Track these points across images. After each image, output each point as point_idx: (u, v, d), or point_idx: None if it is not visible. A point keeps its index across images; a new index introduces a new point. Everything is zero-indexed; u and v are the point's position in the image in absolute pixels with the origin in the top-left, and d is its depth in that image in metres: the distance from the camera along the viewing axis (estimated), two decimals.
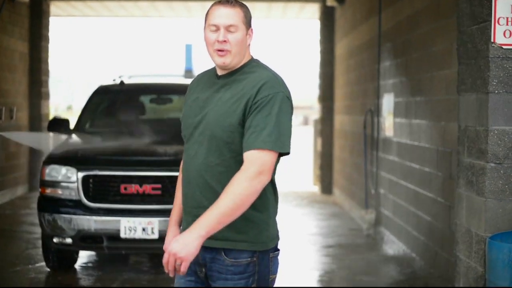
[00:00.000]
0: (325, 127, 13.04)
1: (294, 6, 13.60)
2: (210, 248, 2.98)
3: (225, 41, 2.93)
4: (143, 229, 6.49)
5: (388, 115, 8.39)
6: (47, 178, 6.71)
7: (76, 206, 6.62)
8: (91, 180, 6.62)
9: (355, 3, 10.78)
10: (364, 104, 9.94)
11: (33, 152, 13.03)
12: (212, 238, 2.92)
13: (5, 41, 11.64)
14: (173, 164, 6.67)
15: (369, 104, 9.47)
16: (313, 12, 14.09)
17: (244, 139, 2.88)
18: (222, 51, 2.94)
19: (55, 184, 6.69)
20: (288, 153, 2.93)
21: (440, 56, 6.39)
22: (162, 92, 8.34)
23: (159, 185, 6.57)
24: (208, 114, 2.96)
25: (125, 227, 6.50)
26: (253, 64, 3.03)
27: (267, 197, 2.99)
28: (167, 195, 6.56)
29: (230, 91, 2.96)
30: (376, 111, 9.06)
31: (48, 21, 13.21)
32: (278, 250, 3.08)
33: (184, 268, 2.81)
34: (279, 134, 2.87)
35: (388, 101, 8.47)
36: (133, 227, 6.48)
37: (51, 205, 6.69)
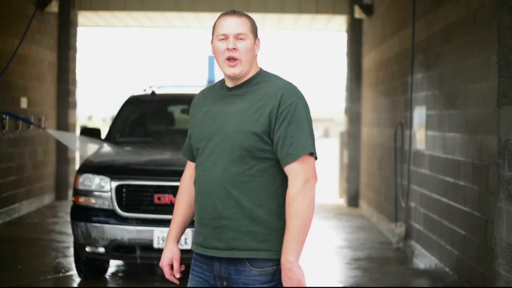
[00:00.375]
0: (352, 140, 13.00)
1: (321, 18, 13.59)
2: (233, 260, 3.00)
3: (234, 48, 2.98)
4: None
5: (420, 128, 8.34)
6: (80, 187, 6.72)
7: (109, 216, 6.62)
8: (124, 190, 6.63)
9: (385, 15, 10.76)
10: (393, 117, 9.89)
11: (60, 161, 13.09)
12: (235, 249, 2.98)
13: (34, 50, 11.72)
14: None
15: (399, 117, 9.42)
16: (340, 24, 14.09)
17: (283, 152, 2.93)
18: (233, 60, 2.99)
19: (88, 193, 6.70)
20: (317, 158, 3.03)
21: (477, 69, 6.34)
22: None
23: None
24: (226, 125, 2.99)
25: (158, 237, 6.49)
26: (264, 74, 3.08)
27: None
28: None
29: (248, 101, 3.00)
30: (407, 124, 9.01)
31: (76, 31, 13.30)
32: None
33: None
34: (312, 139, 2.97)
35: (419, 114, 8.41)
36: (166, 238, 6.46)
37: (84, 214, 6.69)
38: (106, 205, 6.65)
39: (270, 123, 2.94)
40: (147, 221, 6.57)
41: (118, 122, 8.15)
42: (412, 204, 8.62)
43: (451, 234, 7.04)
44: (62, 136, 7.55)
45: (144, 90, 8.81)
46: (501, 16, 5.05)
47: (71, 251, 8.50)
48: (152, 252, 6.58)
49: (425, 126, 8.13)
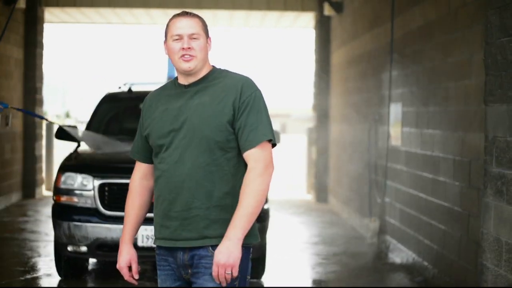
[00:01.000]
0: (321, 136, 13.09)
1: (289, 15, 13.65)
2: (198, 248, 3.11)
3: (189, 48, 3.11)
4: None
5: (396, 124, 8.45)
6: (62, 185, 6.66)
7: (92, 214, 6.57)
8: (107, 188, 6.59)
9: (355, 13, 10.86)
10: (366, 113, 9.99)
11: (27, 159, 12.92)
12: (207, 237, 3.10)
13: (2, 47, 11.54)
14: None
15: (373, 114, 9.53)
16: (308, 21, 14.16)
17: (243, 138, 3.08)
18: (188, 56, 3.11)
19: (70, 191, 6.64)
20: (275, 145, 3.18)
21: (458, 67, 6.45)
22: None
23: None
24: (190, 119, 3.10)
25: (142, 236, 6.46)
26: (219, 70, 3.23)
27: None
28: None
29: (209, 95, 3.13)
30: (381, 121, 9.12)
31: (42, 28, 13.13)
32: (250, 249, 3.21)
33: (235, 272, 3.01)
34: (271, 127, 3.14)
35: (395, 111, 8.52)
36: (150, 235, 6.45)
37: (66, 213, 6.63)
38: (89, 203, 6.60)
39: (234, 113, 3.09)
40: None
41: (95, 120, 8.08)
42: (387, 200, 8.74)
43: (430, 229, 7.16)
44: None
45: (119, 88, 8.74)
46: (489, 16, 5.15)
47: (46, 250, 8.42)
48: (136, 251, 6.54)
49: (401, 122, 8.24)
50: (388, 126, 7.95)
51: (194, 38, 3.12)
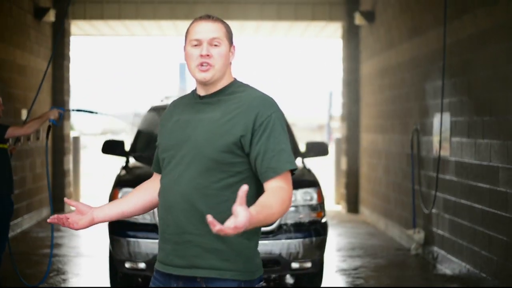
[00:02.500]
0: (351, 146, 13.02)
1: (316, 25, 13.61)
2: (191, 279, 2.81)
3: (208, 55, 2.81)
4: None
5: (442, 134, 8.37)
6: None
7: (152, 230, 6.49)
8: None
9: (391, 22, 10.80)
10: (405, 123, 9.92)
11: (56, 174, 12.85)
12: (196, 267, 2.79)
13: (32, 61, 11.50)
14: None
15: (414, 124, 9.46)
16: (334, 31, 14.12)
17: (263, 165, 2.74)
18: (205, 65, 2.81)
19: None
20: (294, 174, 2.84)
21: None
22: None
23: None
24: (195, 135, 2.82)
25: None
26: (238, 83, 2.91)
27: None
28: None
29: (220, 111, 2.82)
30: (423, 131, 9.05)
31: (69, 41, 13.08)
32: (263, 280, 2.90)
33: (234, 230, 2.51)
34: (292, 153, 2.81)
35: (440, 120, 8.45)
36: None
37: (124, 229, 6.55)
38: (147, 219, 6.52)
39: (245, 135, 2.76)
40: None
41: (141, 134, 8.01)
42: (434, 210, 8.65)
43: (488, 240, 7.07)
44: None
45: (162, 101, 8.68)
46: None
47: (92, 266, 8.34)
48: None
49: (449, 132, 8.17)
50: (440, 135, 7.87)
51: (215, 45, 2.81)
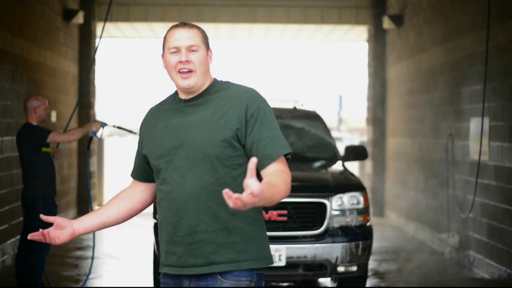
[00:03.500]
0: (377, 150, 13.01)
1: (341, 29, 13.61)
2: (204, 275, 2.86)
3: (187, 61, 2.88)
4: None
5: (479, 139, 8.34)
6: None
7: None
8: None
9: (421, 26, 10.79)
10: (438, 127, 9.91)
11: (81, 175, 12.86)
12: (214, 263, 2.83)
13: (61, 63, 11.51)
14: (298, 190, 6.62)
15: (448, 128, 9.44)
16: (358, 35, 14.12)
17: (259, 153, 2.82)
18: (186, 72, 2.88)
19: None
20: (289, 159, 2.92)
21: None
22: None
23: (285, 211, 6.48)
24: (191, 136, 2.87)
25: (273, 255, 6.36)
26: (220, 82, 2.99)
27: (262, 214, 2.96)
28: (294, 221, 6.49)
29: (210, 109, 2.89)
30: (458, 135, 9.03)
31: (95, 43, 13.09)
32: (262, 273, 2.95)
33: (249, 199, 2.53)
34: (284, 138, 2.90)
35: (478, 125, 8.44)
36: (276, 255, 6.36)
37: None
38: None
39: (240, 127, 2.85)
40: None
41: None
42: (470, 215, 8.64)
43: None
44: None
45: None
46: None
47: (123, 267, 8.34)
48: (268, 270, 6.44)
49: (488, 137, 8.15)
50: (480, 140, 7.86)
51: (193, 51, 2.89)
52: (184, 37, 2.88)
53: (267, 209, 6.45)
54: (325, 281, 7.72)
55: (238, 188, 2.77)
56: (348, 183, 6.82)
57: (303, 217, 6.55)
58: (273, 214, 6.46)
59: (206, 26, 13.46)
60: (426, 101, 10.50)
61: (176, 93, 3.00)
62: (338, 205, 6.57)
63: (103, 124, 6.98)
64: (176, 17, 12.91)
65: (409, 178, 11.46)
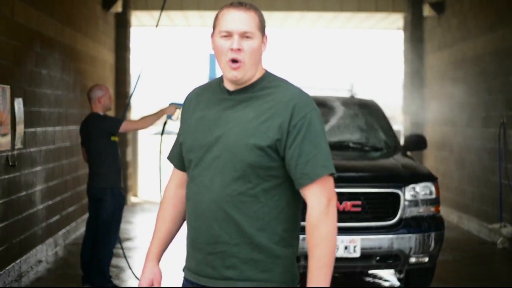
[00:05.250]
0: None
1: (377, 16, 13.51)
2: None
3: (239, 49, 2.59)
4: (345, 248, 6.34)
5: None
6: None
7: None
8: None
9: (466, 14, 10.70)
10: (486, 116, 9.85)
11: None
12: (232, 278, 2.62)
13: (101, 52, 11.44)
14: (372, 180, 6.58)
15: (500, 117, 9.38)
16: (392, 22, 14.03)
17: (298, 171, 2.57)
18: (236, 62, 2.60)
19: None
20: (335, 176, 2.67)
21: None
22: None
23: (359, 202, 6.43)
24: (227, 135, 2.60)
25: (338, 246, 6.33)
26: (271, 78, 2.69)
27: (296, 230, 2.71)
28: (366, 212, 6.44)
29: (253, 109, 2.61)
30: (510, 124, 8.99)
31: (130, 32, 13.02)
32: None
33: None
34: (329, 156, 2.63)
35: None
36: (352, 246, 6.31)
37: None
38: None
39: (281, 138, 2.57)
40: None
41: None
42: None
43: None
44: None
45: None
46: None
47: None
48: (342, 261, 6.38)
49: None
50: None
51: (247, 37, 2.59)
52: (239, 20, 2.58)
53: (341, 199, 6.40)
54: (388, 272, 7.67)
55: (269, 202, 2.60)
56: (420, 173, 6.76)
57: (376, 208, 6.50)
58: (347, 205, 6.41)
59: None
60: (473, 90, 10.43)
61: (222, 79, 2.72)
62: (411, 196, 6.52)
63: (179, 106, 6.72)
64: (212, 4, 12.81)
65: (451, 168, 11.40)
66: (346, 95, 8.43)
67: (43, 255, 8.19)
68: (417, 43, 12.80)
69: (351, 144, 7.48)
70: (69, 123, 9.40)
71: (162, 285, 2.88)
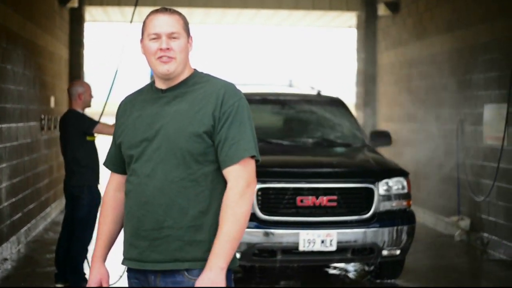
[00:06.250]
0: None
1: (330, 14, 13.70)
2: (170, 271, 2.82)
3: (168, 48, 2.82)
4: (322, 241, 6.46)
5: (496, 125, 8.56)
6: None
7: (251, 220, 6.47)
8: (265, 193, 6.53)
9: (422, 13, 10.96)
10: (442, 113, 10.11)
11: None
12: (179, 260, 2.80)
13: (57, 47, 11.30)
14: (347, 175, 6.73)
15: (455, 114, 9.64)
16: (344, 21, 14.24)
17: (222, 153, 2.79)
18: (166, 58, 2.82)
19: None
20: (259, 161, 2.88)
21: None
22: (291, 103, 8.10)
23: (334, 197, 6.56)
24: (165, 127, 2.82)
25: (304, 240, 6.44)
26: (201, 74, 2.94)
27: None
28: (341, 207, 6.57)
29: (187, 102, 2.84)
30: (471, 121, 9.25)
31: (83, 27, 12.88)
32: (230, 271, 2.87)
33: None
34: (255, 141, 2.84)
35: (493, 111, 8.66)
36: (312, 240, 6.44)
37: None
38: None
39: (214, 123, 2.80)
40: (291, 224, 6.51)
41: None
42: (481, 198, 8.86)
43: None
44: None
45: None
46: None
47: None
48: (294, 255, 6.53)
49: (504, 122, 8.37)
50: (505, 126, 8.05)
51: (174, 38, 2.82)
52: (165, 23, 2.81)
53: (317, 194, 6.52)
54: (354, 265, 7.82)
55: (210, 185, 2.80)
56: (393, 169, 6.95)
57: (351, 202, 6.64)
58: (324, 200, 6.53)
59: (196, 12, 13.40)
60: (428, 87, 10.70)
61: (153, 83, 2.94)
62: (384, 190, 6.69)
63: None
64: (168, 2, 12.76)
65: (406, 163, 11.65)
66: (312, 92, 8.55)
67: (8, 253, 8.07)
68: (371, 41, 13.04)
69: (321, 141, 7.60)
70: (30, 119, 9.27)
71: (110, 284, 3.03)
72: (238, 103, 2.81)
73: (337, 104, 8.23)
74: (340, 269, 7.70)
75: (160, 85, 2.88)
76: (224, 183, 2.81)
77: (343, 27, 14.93)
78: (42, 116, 9.97)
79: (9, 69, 8.09)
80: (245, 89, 8.57)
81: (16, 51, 8.45)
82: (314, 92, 8.49)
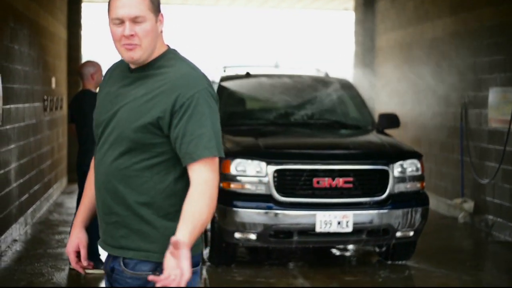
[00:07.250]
0: None
1: None
2: (114, 257, 2.78)
3: (132, 35, 2.63)
4: (338, 223, 6.50)
5: (502, 108, 8.63)
6: (233, 172, 6.58)
7: (266, 201, 6.53)
8: (282, 174, 6.55)
9: None
10: (445, 96, 10.17)
11: (71, 143, 12.60)
12: (124, 247, 2.72)
13: (57, 28, 11.21)
14: (362, 157, 6.76)
15: (460, 97, 9.70)
16: (340, 3, 14.23)
17: (182, 150, 2.62)
18: (130, 45, 2.64)
19: (242, 178, 6.57)
20: (223, 158, 2.75)
21: None
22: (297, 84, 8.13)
23: (350, 178, 6.60)
24: (119, 112, 2.69)
25: (320, 221, 6.48)
26: (169, 56, 2.73)
27: (181, 203, 2.65)
28: (357, 189, 6.61)
29: (145, 87, 2.68)
30: (475, 104, 9.31)
31: (81, 8, 12.78)
32: (197, 265, 2.75)
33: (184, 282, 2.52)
34: (217, 138, 2.66)
35: (497, 94, 8.72)
36: (328, 221, 6.47)
37: (237, 200, 6.56)
38: (262, 190, 6.55)
39: (164, 116, 2.62)
40: (307, 205, 6.54)
41: (221, 105, 7.94)
42: (486, 180, 8.95)
43: None
44: None
45: (225, 71, 8.55)
46: None
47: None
48: (310, 237, 6.57)
49: (511, 106, 8.44)
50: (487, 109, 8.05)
51: (138, 22, 2.61)
52: (128, 6, 2.60)
53: (333, 176, 6.56)
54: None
55: (154, 177, 2.67)
56: (407, 150, 6.99)
57: (366, 184, 6.68)
58: (339, 181, 6.56)
59: None
60: (431, 71, 10.73)
61: None
62: (399, 172, 6.73)
63: None
64: None
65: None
66: (321, 74, 8.56)
67: (17, 234, 8.04)
68: (369, 24, 13.05)
69: (332, 122, 7.64)
70: (35, 100, 9.21)
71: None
72: (199, 95, 2.61)
73: (346, 85, 8.24)
74: (350, 250, 7.76)
75: (131, 64, 2.74)
76: (173, 176, 2.67)
77: (339, 9, 14.92)
78: (45, 97, 9.91)
79: (16, 49, 8.02)
80: (246, 70, 8.46)
81: (23, 31, 8.38)
82: (322, 74, 8.50)
